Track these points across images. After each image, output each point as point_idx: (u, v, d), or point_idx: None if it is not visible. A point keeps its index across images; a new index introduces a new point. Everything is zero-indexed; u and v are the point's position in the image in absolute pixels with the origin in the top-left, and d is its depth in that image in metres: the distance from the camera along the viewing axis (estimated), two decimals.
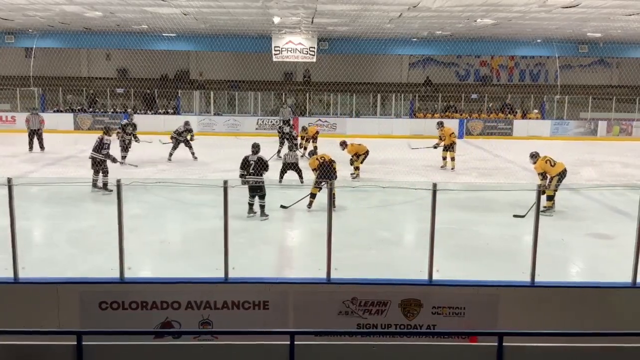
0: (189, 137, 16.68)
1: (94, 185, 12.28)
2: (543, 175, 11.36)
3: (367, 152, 14.99)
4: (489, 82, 29.54)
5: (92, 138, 20.90)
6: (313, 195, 11.44)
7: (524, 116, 26.80)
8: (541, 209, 10.54)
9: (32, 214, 10.83)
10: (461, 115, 26.56)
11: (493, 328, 6.37)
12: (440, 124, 17.14)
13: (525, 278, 6.80)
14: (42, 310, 6.35)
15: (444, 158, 16.67)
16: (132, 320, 6.27)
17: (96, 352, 4.59)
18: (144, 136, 17.70)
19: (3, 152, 18.61)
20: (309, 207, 11.41)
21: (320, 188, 11.36)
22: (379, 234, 10.16)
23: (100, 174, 12.37)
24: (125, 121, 18.09)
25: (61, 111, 25.93)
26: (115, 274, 6.53)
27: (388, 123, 25.78)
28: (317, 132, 19.13)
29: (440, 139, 16.69)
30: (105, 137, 12.59)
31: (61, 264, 8.01)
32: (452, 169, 16.43)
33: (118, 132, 16.35)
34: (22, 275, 6.50)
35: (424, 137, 23.65)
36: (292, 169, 13.54)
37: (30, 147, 18.98)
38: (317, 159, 11.99)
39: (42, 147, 18.98)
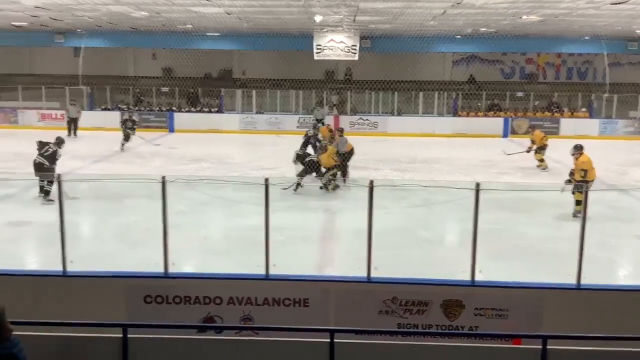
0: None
1: (47, 192, 11.67)
2: (583, 174, 10.85)
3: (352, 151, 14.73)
4: (535, 80, 28.91)
5: (140, 135, 21.43)
6: (335, 175, 12.85)
7: (571, 115, 26.15)
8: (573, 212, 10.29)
9: (81, 209, 11.13)
10: (506, 113, 26.09)
11: (537, 331, 6.25)
12: (532, 127, 17.63)
13: (571, 280, 6.64)
14: (89, 303, 6.52)
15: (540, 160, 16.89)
16: (176, 314, 6.38)
17: (141, 345, 4.69)
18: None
19: None
20: (333, 189, 12.80)
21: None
22: (420, 233, 10.08)
23: (46, 182, 11.65)
24: (126, 116, 20.88)
25: (109, 109, 26.55)
26: (160, 269, 6.66)
27: (430, 121, 25.52)
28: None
29: (533, 142, 16.85)
30: (59, 150, 12.23)
31: (108, 258, 8.21)
32: (543, 169, 16.54)
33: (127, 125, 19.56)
34: (70, 268, 6.69)
35: (467, 135, 23.37)
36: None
37: (69, 133, 22.13)
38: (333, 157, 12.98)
39: (75, 134, 22.57)
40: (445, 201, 11.58)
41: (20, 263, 8.39)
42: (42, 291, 6.56)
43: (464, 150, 19.78)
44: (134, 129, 19.59)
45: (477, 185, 6.59)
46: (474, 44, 25.11)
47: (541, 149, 16.70)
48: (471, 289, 6.61)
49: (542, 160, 16.69)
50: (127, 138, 19.14)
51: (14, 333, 4.12)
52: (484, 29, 20.46)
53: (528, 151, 16.82)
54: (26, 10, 16.38)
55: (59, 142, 12.37)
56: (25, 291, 6.44)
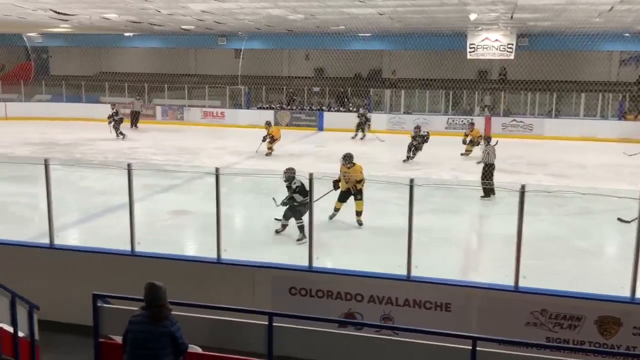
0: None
1: None
2: None
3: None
4: None
5: (291, 134, 22.33)
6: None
7: None
8: None
9: (235, 202, 11.81)
10: None
11: None
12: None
13: None
14: (239, 289, 6.91)
15: None
16: (318, 307, 6.54)
17: (284, 334, 4.87)
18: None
19: (213, 144, 20.56)
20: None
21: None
22: (575, 243, 9.48)
23: None
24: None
25: (263, 108, 27.87)
26: (305, 262, 6.87)
27: (592, 125, 23.77)
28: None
29: None
30: None
31: (257, 248, 8.62)
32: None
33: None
34: (223, 256, 7.11)
35: (634, 140, 21.48)
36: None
37: (132, 125, 24.70)
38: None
39: (136, 125, 25.00)
40: (605, 210, 10.77)
41: (180, 249, 9.10)
42: (198, 276, 7.04)
43: (630, 157, 18.23)
44: (118, 122, 21.69)
45: None
46: None
47: None
48: (631, 306, 6.08)
49: None
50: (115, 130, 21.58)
51: (173, 313, 4.48)
52: None
53: None
54: (194, 15, 17.69)
55: None
56: (184, 275, 6.95)
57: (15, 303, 5.52)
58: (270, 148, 18.36)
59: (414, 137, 17.23)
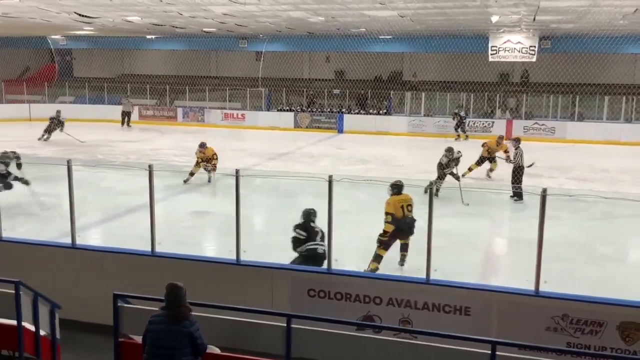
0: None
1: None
2: None
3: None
4: None
5: (310, 136, 22.38)
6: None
7: None
8: None
9: (254, 203, 11.85)
10: None
11: None
12: None
13: None
14: (257, 291, 6.92)
15: None
16: (337, 309, 6.53)
17: (303, 335, 4.88)
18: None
19: (233, 146, 20.65)
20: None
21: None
22: (598, 248, 9.35)
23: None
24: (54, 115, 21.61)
25: (284, 110, 27.94)
26: (324, 265, 6.86)
27: (616, 128, 23.46)
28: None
29: None
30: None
31: (276, 250, 8.63)
32: None
33: None
34: (243, 257, 7.13)
35: None
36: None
37: (122, 124, 26.19)
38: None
39: (128, 125, 26.22)
40: (630, 215, 10.61)
41: (200, 250, 9.16)
42: (217, 277, 7.06)
43: None
44: (52, 125, 21.25)
45: None
46: None
47: None
48: None
49: None
50: (49, 131, 21.26)
51: (192, 313, 4.51)
52: None
53: None
54: (215, 17, 17.82)
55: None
56: (203, 276, 6.98)
57: (37, 302, 5.59)
58: (192, 174, 14.03)
59: (446, 164, 12.97)
